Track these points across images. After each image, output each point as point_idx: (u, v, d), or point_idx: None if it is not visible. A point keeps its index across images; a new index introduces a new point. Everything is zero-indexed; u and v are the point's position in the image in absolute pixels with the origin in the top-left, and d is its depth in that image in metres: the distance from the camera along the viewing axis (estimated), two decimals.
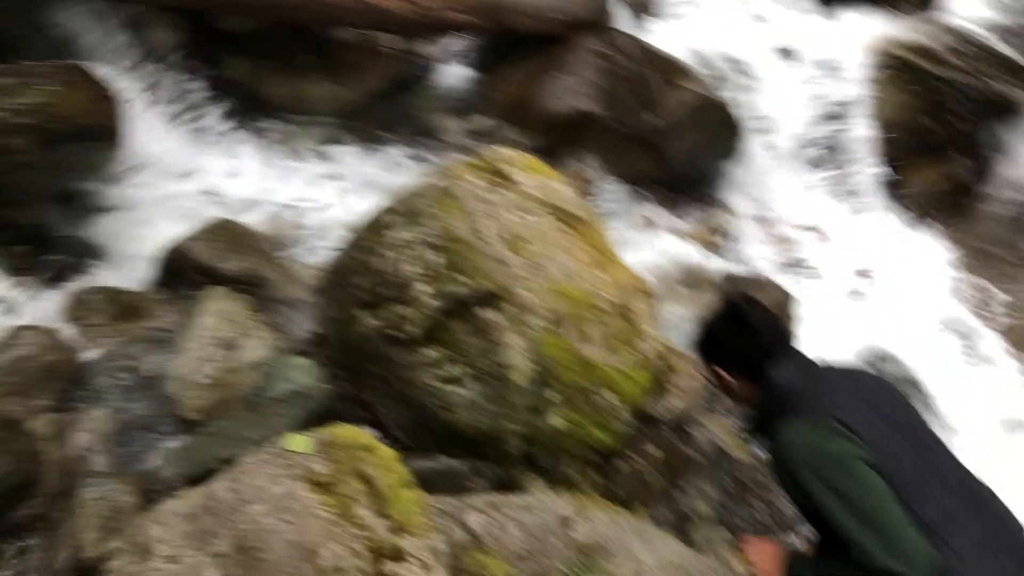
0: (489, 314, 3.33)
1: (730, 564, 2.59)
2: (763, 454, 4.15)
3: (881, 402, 2.33)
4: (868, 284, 5.50)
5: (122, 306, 3.67)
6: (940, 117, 5.85)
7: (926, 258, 5.64)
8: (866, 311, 5.30)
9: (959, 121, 5.86)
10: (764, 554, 2.39)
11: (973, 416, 4.81)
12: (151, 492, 2.94)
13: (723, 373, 2.51)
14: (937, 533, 2.09)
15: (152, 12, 4.99)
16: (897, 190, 5.83)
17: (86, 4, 4.78)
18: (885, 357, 4.96)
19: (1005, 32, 6.25)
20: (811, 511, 2.21)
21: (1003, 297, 5.45)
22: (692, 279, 4.98)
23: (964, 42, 6.03)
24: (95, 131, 4.14)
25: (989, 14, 6.46)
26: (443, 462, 3.20)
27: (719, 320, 2.55)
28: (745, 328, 2.46)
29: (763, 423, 2.41)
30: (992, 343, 5.27)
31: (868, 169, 5.85)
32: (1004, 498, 2.36)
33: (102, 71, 4.45)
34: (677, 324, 4.52)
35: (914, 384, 4.93)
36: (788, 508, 3.90)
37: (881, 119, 5.78)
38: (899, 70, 5.88)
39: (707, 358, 2.58)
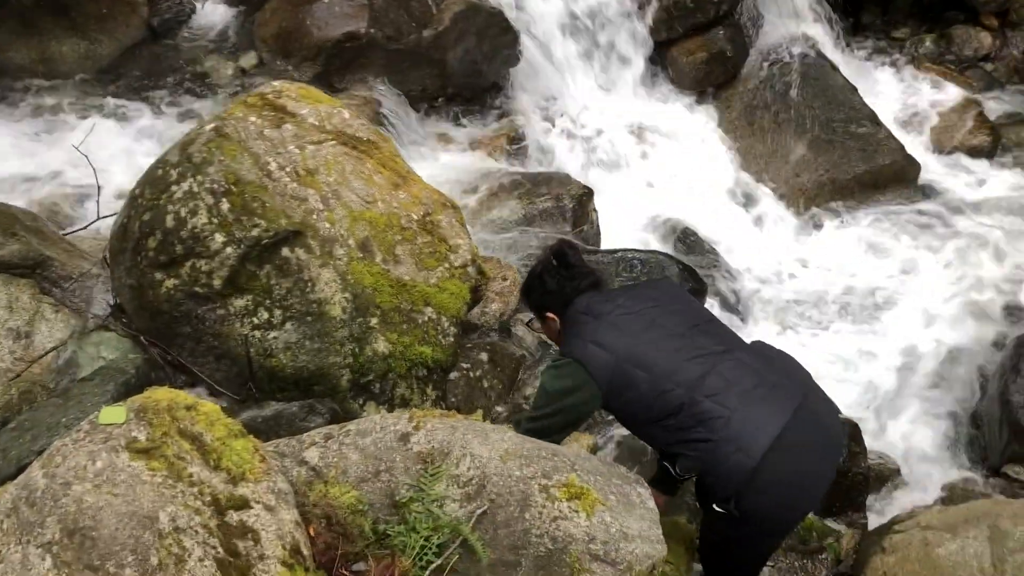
0: (293, 252, 3.27)
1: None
2: None
3: (648, 309, 2.74)
4: (656, 166, 5.78)
5: None
6: None
7: (702, 130, 5.98)
8: (656, 190, 5.59)
9: None
10: None
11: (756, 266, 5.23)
12: None
13: (551, 316, 2.83)
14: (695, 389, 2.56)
15: None
16: (668, 68, 6.09)
17: None
18: (679, 229, 5.27)
19: None
20: None
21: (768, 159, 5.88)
22: (492, 187, 5.05)
23: None
24: None
25: None
26: (273, 408, 3.16)
27: (546, 266, 2.85)
28: (567, 269, 2.82)
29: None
30: (767, 202, 5.70)
31: (636, 55, 6.06)
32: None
33: None
34: (483, 232, 4.61)
35: (711, 250, 5.29)
36: None
37: (642, 4, 5.97)
38: None
39: (536, 304, 2.90)
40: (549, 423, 2.72)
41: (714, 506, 2.58)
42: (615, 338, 2.65)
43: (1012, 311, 5.04)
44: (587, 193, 5.01)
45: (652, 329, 2.69)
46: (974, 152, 6.12)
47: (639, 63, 5.98)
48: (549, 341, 3.19)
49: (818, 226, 5.62)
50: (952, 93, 6.50)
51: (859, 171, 5.72)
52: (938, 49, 7.04)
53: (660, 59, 6.07)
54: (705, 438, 2.53)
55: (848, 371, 4.80)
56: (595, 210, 5.02)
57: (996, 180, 5.90)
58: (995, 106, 6.58)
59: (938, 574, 3.10)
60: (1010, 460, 4.25)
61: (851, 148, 5.80)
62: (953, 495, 4.12)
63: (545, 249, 2.95)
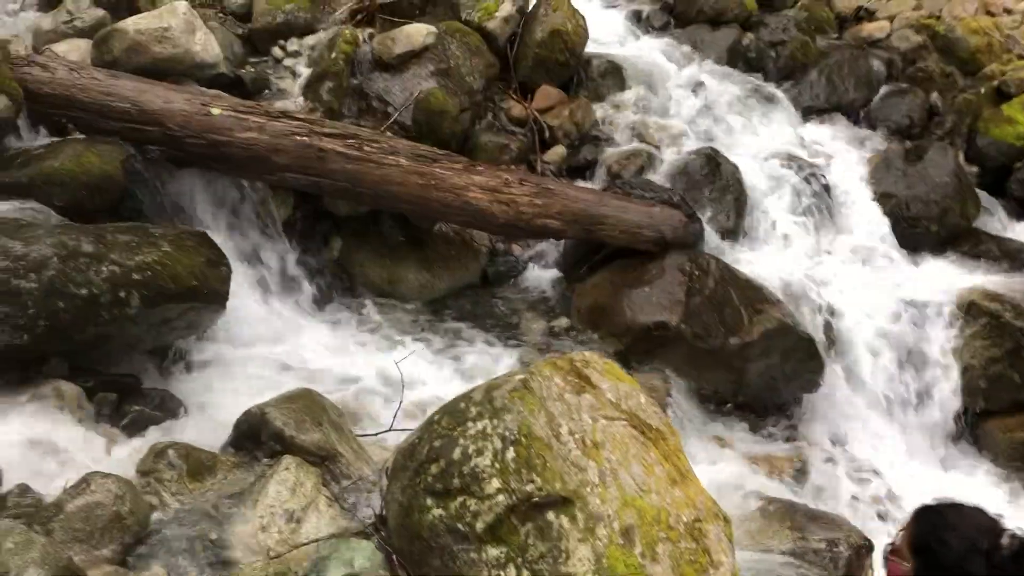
0: (558, 518, 3.26)
1: None
2: None
3: None
4: None
5: (197, 464, 3.69)
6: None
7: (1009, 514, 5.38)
8: None
9: None
10: None
11: None
12: None
13: None
14: None
15: (269, 188, 5.35)
16: (982, 442, 5.66)
17: (207, 175, 5.16)
18: None
19: None
20: None
21: None
22: (764, 508, 4.81)
23: None
24: (201, 294, 4.34)
25: None
26: None
27: (976, 536, 2.18)
28: (995, 561, 2.14)
29: None
30: None
31: (944, 416, 5.72)
32: None
33: (215, 237, 4.73)
34: (744, 552, 4.35)
35: None
36: None
37: (966, 369, 5.70)
38: (986, 321, 5.84)
39: (925, 557, 2.21)
40: None
41: None
42: None
43: None
44: (867, 546, 4.61)
45: None
46: None
47: (950, 428, 5.62)
48: None
49: None
50: None
51: None
52: None
53: (975, 429, 5.67)
54: None
55: None
56: (872, 569, 4.58)
57: None
58: None
59: None
60: None
61: None
62: None
63: (997, 523, 2.21)
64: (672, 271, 5.63)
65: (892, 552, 2.35)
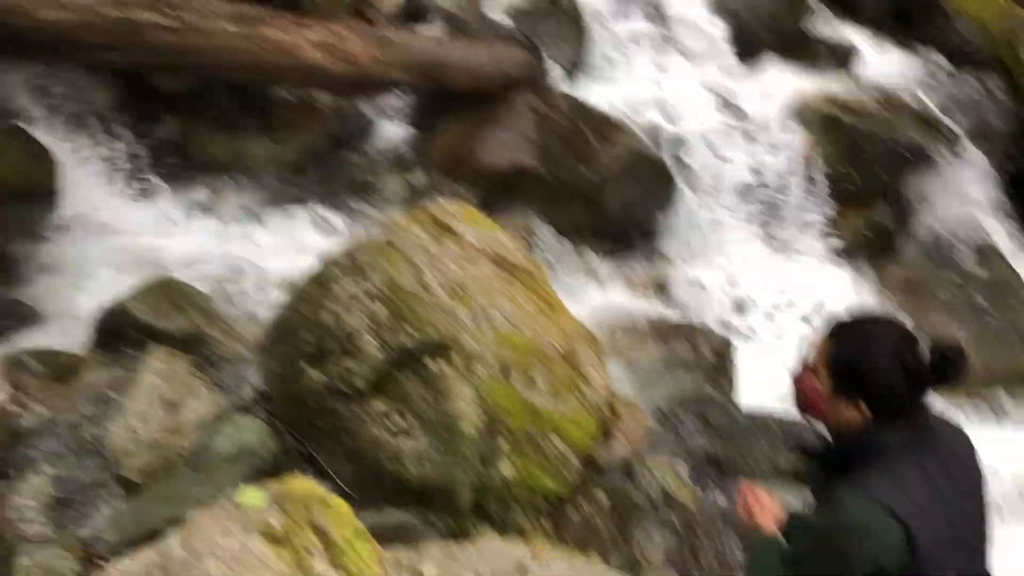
0: (437, 364, 3.35)
1: None
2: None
3: (952, 490, 2.04)
4: (807, 328, 5.66)
5: (60, 368, 3.59)
6: (863, 168, 6.11)
7: (856, 300, 5.83)
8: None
9: (881, 171, 6.13)
10: (764, 502, 2.32)
11: None
12: (93, 557, 2.86)
13: (860, 407, 2.05)
14: None
15: (87, 72, 4.97)
16: (826, 236, 6.04)
17: (19, 66, 4.74)
18: None
19: (919, 86, 6.59)
20: None
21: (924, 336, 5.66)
22: (632, 328, 5.06)
23: (883, 97, 6.34)
24: (28, 192, 4.08)
25: (902, 71, 6.80)
26: (393, 515, 3.18)
27: (910, 356, 2.03)
28: (936, 379, 2.04)
29: (836, 462, 2.11)
30: None
31: (800, 218, 6.05)
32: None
33: (36, 131, 4.41)
34: (619, 372, 4.60)
35: None
36: (732, 558, 3.95)
37: (809, 172, 5.99)
38: (824, 123, 6.12)
39: (856, 383, 2.04)
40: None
41: None
42: (931, 507, 1.99)
43: None
44: (727, 346, 4.95)
45: (960, 531, 2.07)
46: None
47: (796, 226, 5.95)
48: (805, 416, 2.22)
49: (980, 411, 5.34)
50: None
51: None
52: None
53: (819, 225, 6.02)
54: None
55: None
56: (734, 365, 4.93)
57: None
58: None
59: None
60: None
61: (1011, 337, 5.56)
62: None
63: (913, 334, 2.08)
64: (522, 111, 5.63)
65: (804, 372, 2.14)
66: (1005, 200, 6.36)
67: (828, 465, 2.16)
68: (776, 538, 2.24)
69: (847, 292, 5.83)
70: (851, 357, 2.05)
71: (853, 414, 2.05)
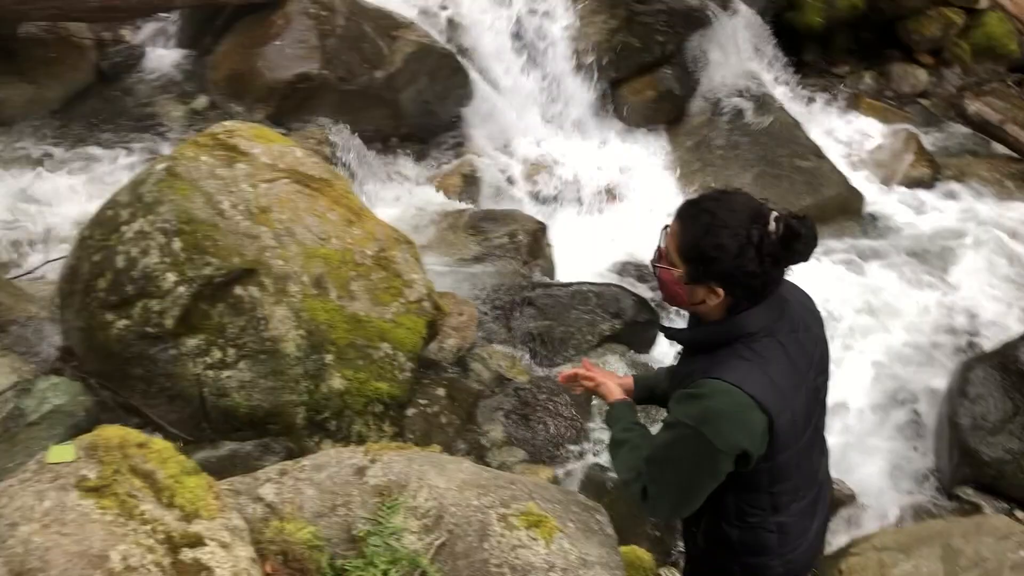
0: (246, 290, 3.26)
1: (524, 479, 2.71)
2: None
3: (807, 364, 2.07)
4: (611, 199, 5.86)
5: None
6: (644, 37, 6.26)
7: (653, 167, 6.08)
8: (609, 225, 5.65)
9: (662, 37, 6.30)
10: (614, 378, 2.36)
11: None
12: None
13: (718, 292, 1.96)
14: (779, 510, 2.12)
15: None
16: (618, 108, 6.20)
17: None
18: (633, 261, 5.34)
19: None
20: None
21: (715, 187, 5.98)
22: (447, 224, 5.08)
23: None
24: None
25: None
26: (228, 448, 3.13)
27: (762, 235, 1.90)
28: (785, 255, 1.93)
29: (699, 344, 2.08)
30: None
31: (587, 94, 6.17)
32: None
33: None
34: (439, 268, 4.63)
35: None
36: (570, 425, 4.15)
37: (592, 45, 6.09)
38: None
39: (710, 269, 1.93)
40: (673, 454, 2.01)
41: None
42: (791, 387, 2.00)
43: (955, 338, 5.16)
44: (541, 228, 5.07)
45: (808, 402, 2.10)
46: (915, 184, 6.29)
47: (589, 102, 6.08)
48: (667, 305, 2.26)
49: None
50: (892, 127, 6.70)
51: (805, 203, 5.84)
52: (877, 85, 7.28)
53: (610, 97, 6.18)
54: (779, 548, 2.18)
55: None
56: (550, 244, 5.07)
57: (937, 211, 6.07)
58: (933, 139, 6.80)
59: None
60: (961, 482, 4.32)
61: (797, 181, 5.94)
62: (907, 518, 4.18)
63: (763, 208, 1.94)
64: (299, 18, 5.39)
65: (659, 259, 2.03)
66: (774, 49, 6.72)
67: (692, 348, 2.11)
68: (627, 401, 2.31)
69: (644, 159, 6.06)
70: (698, 241, 1.92)
71: (712, 299, 1.96)
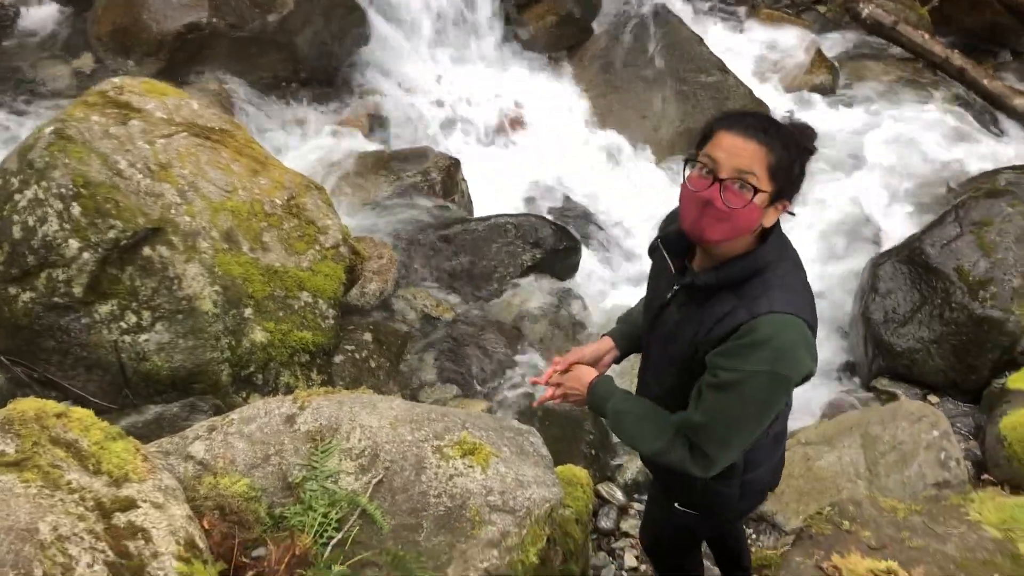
0: (155, 251, 3.16)
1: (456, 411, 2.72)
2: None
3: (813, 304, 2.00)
4: (521, 129, 5.83)
5: None
6: None
7: (562, 93, 6.06)
8: (522, 155, 5.64)
9: None
10: (577, 370, 2.20)
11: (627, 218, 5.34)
12: None
13: (785, 206, 1.88)
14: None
15: None
16: (520, 36, 6.14)
17: None
18: (549, 190, 5.35)
19: None
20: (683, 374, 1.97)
21: (628, 114, 6.02)
22: (357, 167, 5.00)
23: None
24: None
25: None
26: (153, 411, 3.06)
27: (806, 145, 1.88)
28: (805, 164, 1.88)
29: (730, 281, 1.91)
30: (630, 156, 5.83)
31: (489, 24, 6.09)
32: None
33: None
34: (353, 212, 4.57)
35: (582, 207, 5.39)
36: (500, 356, 4.17)
37: None
38: None
39: (790, 175, 1.84)
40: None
41: (677, 505, 2.24)
42: (813, 309, 1.95)
43: (863, 239, 5.33)
44: (454, 164, 5.02)
45: None
46: (817, 89, 6.42)
47: (492, 31, 6.01)
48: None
49: (679, 174, 5.78)
50: (791, 35, 6.80)
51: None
52: None
53: (513, 25, 6.10)
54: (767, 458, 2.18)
55: None
56: (464, 180, 5.03)
57: (838, 115, 6.20)
58: (832, 45, 6.92)
59: (821, 484, 3.28)
60: (878, 374, 4.51)
61: (703, 97, 5.99)
62: (830, 413, 4.35)
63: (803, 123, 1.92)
64: None
65: (722, 191, 1.81)
66: None
67: (714, 289, 1.91)
68: (603, 376, 2.15)
69: (550, 86, 6.04)
70: (791, 156, 1.82)
71: (771, 218, 1.87)
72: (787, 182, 1.83)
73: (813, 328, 1.88)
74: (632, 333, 2.31)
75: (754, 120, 1.85)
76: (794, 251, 2.00)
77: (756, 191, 1.79)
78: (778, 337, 1.81)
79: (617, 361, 2.34)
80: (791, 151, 1.82)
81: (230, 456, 2.28)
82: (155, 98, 3.60)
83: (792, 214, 1.93)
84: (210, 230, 3.27)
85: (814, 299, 1.98)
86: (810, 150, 1.87)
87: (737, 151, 1.80)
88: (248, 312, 3.26)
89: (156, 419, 3.02)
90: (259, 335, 3.27)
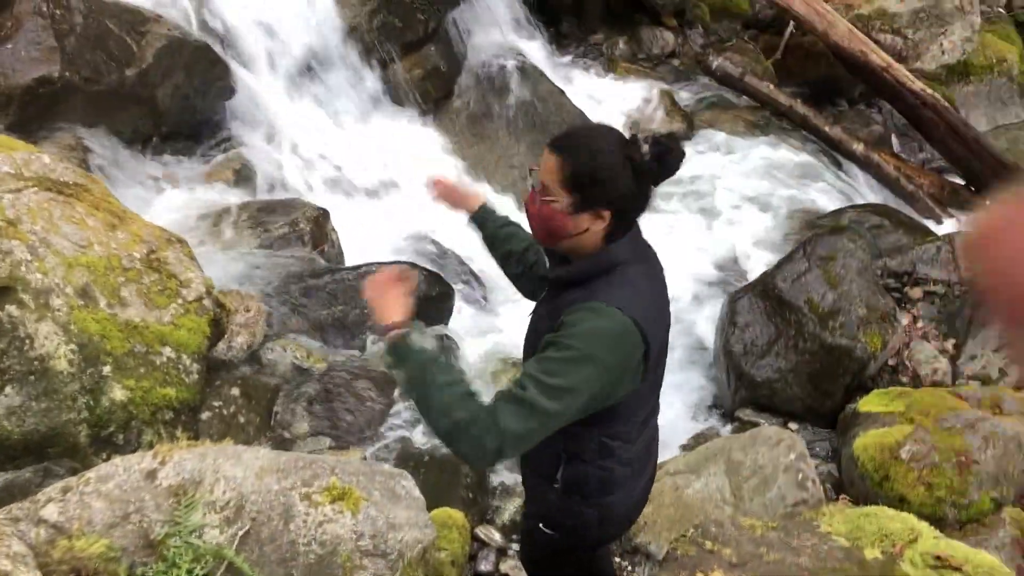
0: (3, 310, 3.02)
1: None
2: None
3: (664, 303, 2.16)
4: (389, 183, 5.87)
5: None
6: (404, 14, 6.28)
7: (429, 145, 6.15)
8: (391, 206, 5.67)
9: (423, 15, 6.36)
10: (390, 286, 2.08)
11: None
12: None
13: (603, 215, 1.98)
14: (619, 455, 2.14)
15: None
16: (390, 87, 6.21)
17: None
18: (419, 238, 5.39)
19: None
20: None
21: (495, 163, 6.16)
22: (222, 220, 4.92)
23: None
24: None
25: None
26: (3, 479, 2.90)
27: (637, 155, 1.98)
28: (659, 171, 2.00)
29: (577, 278, 2.04)
30: (498, 199, 5.96)
31: (359, 76, 6.14)
32: None
33: None
34: (219, 265, 4.48)
35: (452, 255, 5.44)
36: (375, 405, 4.15)
37: (353, 27, 6.05)
38: None
39: (590, 185, 1.96)
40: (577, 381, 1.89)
41: (541, 526, 2.26)
42: (658, 317, 2.10)
43: (722, 274, 5.60)
44: (323, 214, 5.00)
45: (664, 335, 2.18)
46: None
47: (362, 83, 6.05)
48: (551, 231, 2.02)
49: None
50: (648, 87, 7.13)
51: None
52: (631, 50, 7.71)
53: (380, 78, 6.17)
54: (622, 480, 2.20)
55: None
56: (334, 230, 5.02)
57: (694, 159, 6.52)
58: (685, 95, 7.30)
59: (690, 512, 3.39)
60: (741, 405, 4.71)
61: None
62: (698, 443, 4.50)
63: (628, 133, 2.04)
64: (30, 19, 4.98)
65: (538, 200, 2.00)
66: (532, 22, 6.97)
67: (566, 284, 2.06)
68: (419, 325, 2.03)
69: (418, 138, 6.12)
70: (585, 167, 1.96)
71: (598, 225, 1.99)
72: (591, 190, 1.96)
73: (644, 330, 1.96)
74: (496, 224, 2.54)
75: (563, 136, 2.05)
76: (655, 261, 2.16)
77: (554, 199, 1.97)
78: (587, 322, 1.92)
79: (469, 222, 2.58)
80: (597, 160, 1.96)
81: (86, 517, 2.19)
82: (2, 152, 3.47)
83: (628, 222, 2.05)
84: (64, 287, 3.15)
85: (667, 305, 2.15)
86: (632, 158, 1.97)
87: (543, 164, 2.01)
88: (107, 370, 3.14)
89: (6, 487, 2.86)
90: (119, 393, 3.15)
